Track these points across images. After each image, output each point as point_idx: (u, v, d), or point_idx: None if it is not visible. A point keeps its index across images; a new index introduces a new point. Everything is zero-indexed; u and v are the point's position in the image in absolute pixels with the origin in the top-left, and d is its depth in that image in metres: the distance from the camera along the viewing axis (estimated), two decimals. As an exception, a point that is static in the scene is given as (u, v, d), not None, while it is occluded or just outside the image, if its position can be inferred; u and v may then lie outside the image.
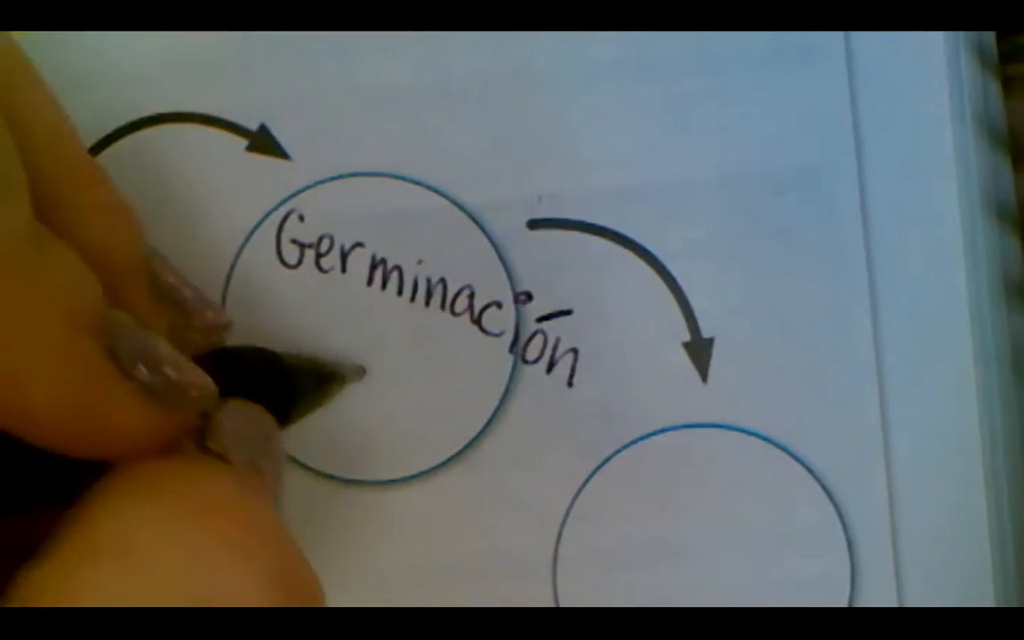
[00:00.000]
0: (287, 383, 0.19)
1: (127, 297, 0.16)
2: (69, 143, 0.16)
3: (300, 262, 0.21)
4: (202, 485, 0.15)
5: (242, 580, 0.14)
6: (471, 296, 0.21)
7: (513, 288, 0.21)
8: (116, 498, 0.14)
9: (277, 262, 0.21)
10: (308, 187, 0.21)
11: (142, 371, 0.14)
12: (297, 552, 0.15)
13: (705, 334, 0.21)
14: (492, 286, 0.21)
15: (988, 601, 0.21)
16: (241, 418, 0.16)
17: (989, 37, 0.22)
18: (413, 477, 0.21)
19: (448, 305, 0.21)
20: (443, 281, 0.21)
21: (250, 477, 0.16)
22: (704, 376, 0.21)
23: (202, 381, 0.15)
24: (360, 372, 0.21)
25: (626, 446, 0.21)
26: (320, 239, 0.21)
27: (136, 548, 0.13)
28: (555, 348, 0.21)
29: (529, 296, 0.21)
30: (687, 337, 0.21)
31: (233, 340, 0.21)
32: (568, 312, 0.21)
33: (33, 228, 0.14)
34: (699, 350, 0.21)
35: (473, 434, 0.21)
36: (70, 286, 0.14)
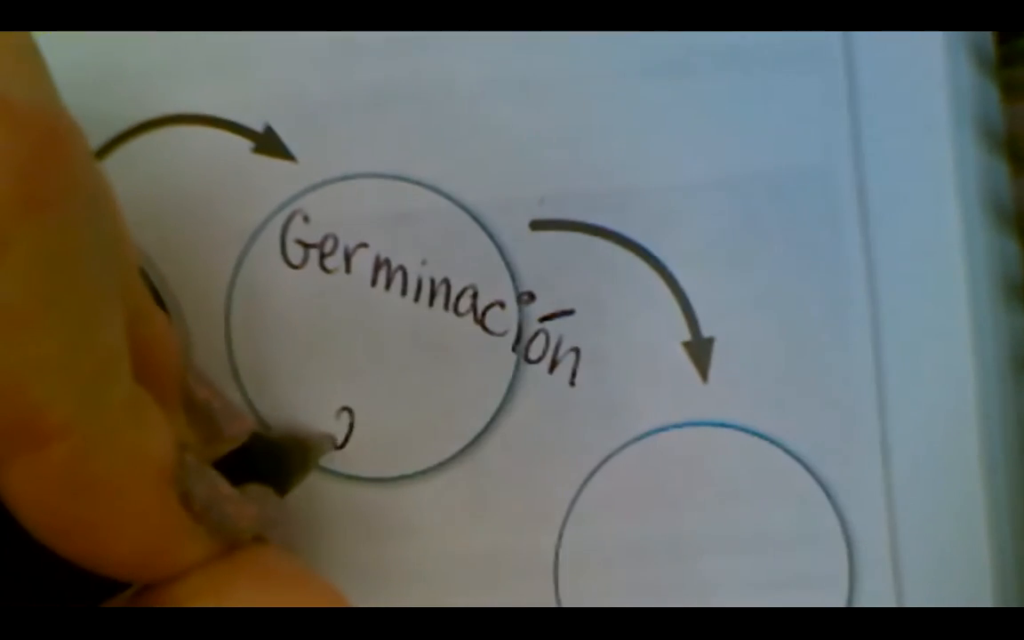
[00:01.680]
0: (283, 464, 0.19)
1: (168, 415, 0.16)
2: (140, 282, 0.16)
3: (305, 262, 0.21)
4: (275, 564, 0.16)
5: None
6: (474, 296, 0.21)
7: (516, 288, 0.21)
8: (213, 583, 0.15)
9: (282, 262, 0.21)
10: (313, 188, 0.21)
11: (209, 514, 0.15)
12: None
13: (705, 334, 0.21)
14: (495, 286, 0.21)
15: (986, 600, 0.21)
16: (265, 502, 0.17)
17: (988, 42, 0.22)
18: (416, 474, 0.21)
19: (452, 305, 0.21)
20: (447, 281, 0.21)
21: (287, 550, 0.17)
22: (704, 375, 0.21)
23: (251, 511, 0.16)
24: (333, 442, 0.21)
25: (627, 444, 0.21)
26: (324, 239, 0.21)
27: None
28: (557, 347, 0.21)
29: (532, 296, 0.21)
30: (687, 336, 0.21)
31: (239, 338, 0.21)
32: (570, 312, 0.21)
33: (132, 393, 0.14)
34: (699, 349, 0.21)
35: (476, 432, 0.21)
36: (159, 447, 0.15)
